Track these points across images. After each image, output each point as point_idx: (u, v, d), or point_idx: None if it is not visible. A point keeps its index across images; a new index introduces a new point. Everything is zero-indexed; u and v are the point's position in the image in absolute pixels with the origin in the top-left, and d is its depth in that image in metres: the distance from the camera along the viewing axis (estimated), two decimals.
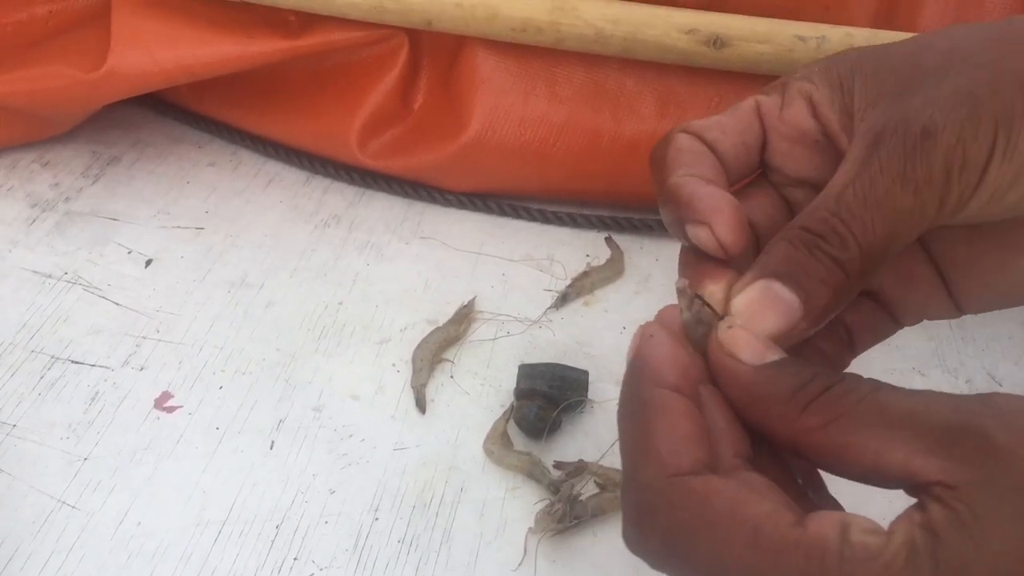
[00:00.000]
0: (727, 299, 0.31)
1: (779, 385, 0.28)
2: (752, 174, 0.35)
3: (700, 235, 0.31)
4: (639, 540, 0.28)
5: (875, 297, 0.36)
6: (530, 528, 0.47)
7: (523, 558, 0.46)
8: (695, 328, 0.31)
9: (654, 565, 0.28)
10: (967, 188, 0.29)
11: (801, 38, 0.58)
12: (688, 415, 0.29)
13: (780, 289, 0.29)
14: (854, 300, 0.34)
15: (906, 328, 0.58)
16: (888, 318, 0.36)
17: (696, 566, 0.27)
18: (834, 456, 0.27)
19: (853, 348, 0.36)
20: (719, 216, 0.31)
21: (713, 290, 0.31)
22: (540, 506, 0.48)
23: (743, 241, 0.31)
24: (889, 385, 0.27)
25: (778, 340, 0.29)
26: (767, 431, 0.29)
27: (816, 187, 0.34)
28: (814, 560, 0.25)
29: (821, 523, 0.26)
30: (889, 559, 0.24)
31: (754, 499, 0.27)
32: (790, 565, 0.25)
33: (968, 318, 0.60)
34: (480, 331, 0.58)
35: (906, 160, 0.29)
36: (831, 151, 0.34)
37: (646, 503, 0.28)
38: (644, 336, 0.30)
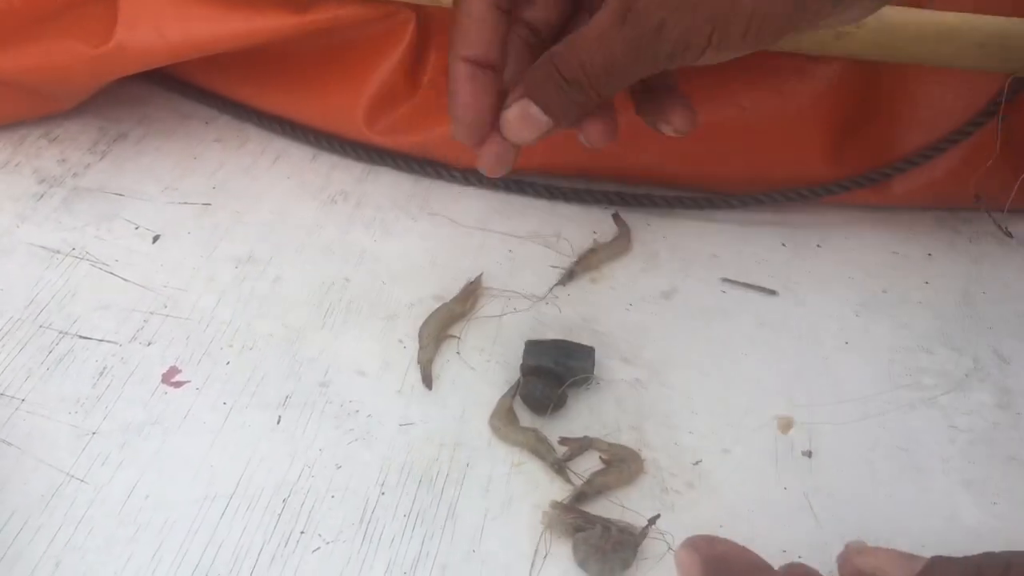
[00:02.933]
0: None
1: None
2: None
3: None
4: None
5: None
6: (544, 512, 0.47)
7: (537, 542, 0.46)
8: None
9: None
10: (687, 61, 0.39)
11: None
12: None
13: (534, 110, 0.42)
14: None
15: (912, 307, 0.58)
16: None
17: None
18: None
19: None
20: (464, 127, 0.45)
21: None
22: (545, 484, 0.48)
23: (479, 140, 0.45)
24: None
25: (539, 137, 0.43)
26: None
27: None
28: None
29: None
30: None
31: None
32: None
33: (976, 296, 0.60)
34: (487, 307, 0.58)
35: (641, 42, 0.38)
36: None
37: None
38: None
